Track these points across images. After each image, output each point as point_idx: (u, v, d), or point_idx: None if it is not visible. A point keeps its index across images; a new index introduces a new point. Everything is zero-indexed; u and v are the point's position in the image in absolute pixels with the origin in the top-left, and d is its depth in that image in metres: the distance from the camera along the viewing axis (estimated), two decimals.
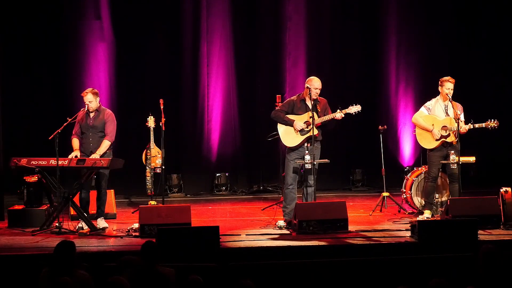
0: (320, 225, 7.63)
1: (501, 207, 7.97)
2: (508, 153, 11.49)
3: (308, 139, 7.99)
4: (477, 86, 11.42)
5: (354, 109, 8.11)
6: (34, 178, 8.55)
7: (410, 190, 8.96)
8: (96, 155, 7.99)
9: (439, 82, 8.42)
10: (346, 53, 11.68)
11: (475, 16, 11.51)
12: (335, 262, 6.49)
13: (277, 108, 8.59)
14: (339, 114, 7.99)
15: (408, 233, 7.45)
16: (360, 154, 11.55)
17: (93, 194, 8.39)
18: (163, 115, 9.24)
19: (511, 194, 8.05)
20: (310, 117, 7.92)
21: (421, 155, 9.42)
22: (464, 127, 8.20)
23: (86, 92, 8.23)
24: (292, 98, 8.34)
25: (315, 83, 8.05)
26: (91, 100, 8.17)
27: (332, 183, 11.36)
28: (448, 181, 8.56)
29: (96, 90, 8.33)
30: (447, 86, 8.32)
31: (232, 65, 11.47)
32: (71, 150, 8.22)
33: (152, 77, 11.28)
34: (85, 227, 7.93)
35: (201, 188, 11.51)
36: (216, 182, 11.49)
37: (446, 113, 8.38)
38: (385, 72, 11.68)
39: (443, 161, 8.37)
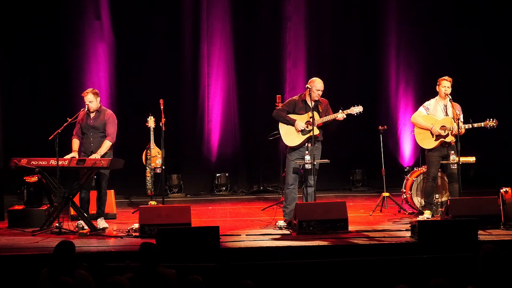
0: (320, 225, 7.63)
1: (501, 207, 7.96)
2: (508, 153, 11.50)
3: (309, 139, 7.98)
4: (476, 85, 11.44)
5: (356, 109, 8.10)
6: (34, 178, 8.55)
7: (410, 190, 8.95)
8: (96, 155, 7.98)
9: (437, 82, 8.44)
10: (346, 53, 11.69)
11: (475, 16, 11.51)
12: (335, 262, 6.49)
13: (278, 107, 8.59)
14: (341, 115, 7.99)
15: (408, 233, 7.45)
16: (360, 154, 11.56)
17: (93, 194, 8.39)
18: (163, 115, 9.24)
19: (511, 194, 8.04)
20: (311, 117, 7.92)
21: (421, 155, 9.42)
22: (462, 128, 8.20)
23: (87, 92, 8.23)
24: (293, 98, 8.33)
25: (317, 85, 8.04)
26: (91, 100, 8.17)
27: (332, 183, 11.36)
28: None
29: (96, 90, 8.32)
30: (444, 84, 8.34)
31: (232, 65, 11.47)
32: (71, 150, 8.22)
33: (152, 77, 11.28)
34: (85, 227, 7.92)
35: (201, 188, 11.52)
36: (216, 182, 11.49)
37: (446, 113, 8.38)
38: (385, 72, 11.69)
39: (443, 161, 8.38)
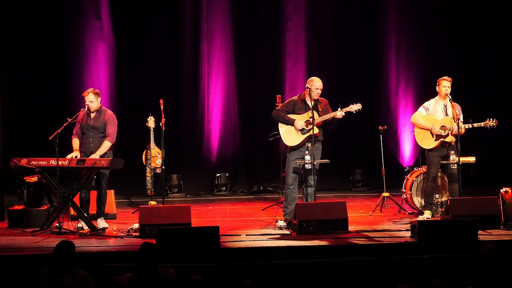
0: (320, 225, 7.63)
1: (501, 207, 7.96)
2: (508, 153, 11.50)
3: (309, 139, 7.99)
4: (476, 85, 11.44)
5: (355, 107, 8.12)
6: (34, 178, 8.55)
7: (410, 190, 8.96)
8: (96, 155, 7.98)
9: (437, 83, 8.45)
10: (346, 53, 11.70)
11: (475, 16, 11.52)
12: (335, 262, 6.49)
13: (278, 107, 8.60)
14: (339, 113, 8.00)
15: (408, 233, 7.45)
16: (360, 154, 11.56)
17: (93, 194, 8.39)
18: (163, 115, 9.24)
19: (511, 194, 8.04)
20: (311, 117, 7.92)
21: (421, 155, 9.42)
22: (462, 128, 8.20)
23: (88, 92, 8.22)
24: (293, 98, 8.34)
25: (316, 84, 8.05)
26: (92, 100, 8.17)
27: (332, 183, 11.36)
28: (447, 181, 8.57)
29: (97, 91, 8.32)
30: (444, 84, 8.35)
31: (232, 65, 11.47)
32: (71, 150, 8.21)
33: (152, 77, 11.28)
34: (85, 227, 7.92)
35: (201, 188, 11.52)
36: (216, 182, 11.49)
37: (445, 113, 8.38)
38: (385, 72, 11.69)
39: (443, 161, 8.38)
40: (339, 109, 8.03)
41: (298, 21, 11.50)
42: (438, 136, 8.34)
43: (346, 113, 8.07)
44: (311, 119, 7.92)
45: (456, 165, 8.18)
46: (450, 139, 8.30)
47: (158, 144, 9.60)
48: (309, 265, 6.33)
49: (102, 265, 6.01)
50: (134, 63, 11.25)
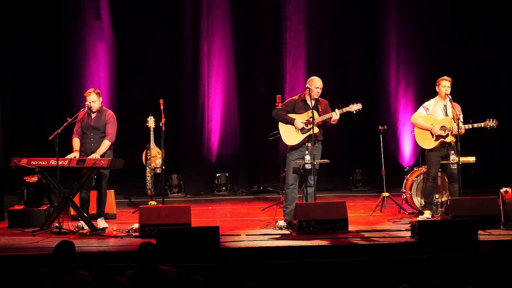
0: (320, 225, 7.63)
1: (501, 207, 7.96)
2: (508, 153, 11.50)
3: (309, 138, 7.99)
4: (476, 85, 11.44)
5: (355, 107, 8.12)
6: (34, 178, 8.54)
7: (410, 190, 8.96)
8: (96, 155, 7.98)
9: (436, 83, 8.45)
10: (346, 53, 11.70)
11: (475, 16, 11.52)
12: (335, 262, 6.49)
13: (278, 107, 8.60)
14: (336, 115, 7.97)
15: (408, 233, 7.44)
16: (360, 154, 11.56)
17: (93, 194, 8.39)
18: (163, 115, 9.25)
19: (511, 194, 8.04)
20: (311, 117, 7.92)
21: (421, 155, 9.42)
22: (462, 128, 8.20)
23: (90, 92, 8.22)
24: (293, 97, 8.34)
25: (316, 83, 8.06)
26: (94, 100, 8.17)
27: (332, 183, 11.36)
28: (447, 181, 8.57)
29: (98, 91, 8.32)
30: (444, 84, 8.35)
31: (232, 65, 11.48)
32: (71, 150, 8.22)
33: (152, 77, 11.28)
34: (85, 227, 7.92)
35: (201, 188, 11.52)
36: (216, 182, 11.49)
37: (445, 113, 8.38)
38: (385, 72, 11.69)
39: (443, 161, 8.38)
40: (340, 109, 8.03)
41: (298, 21, 11.51)
42: (438, 136, 8.34)
43: (346, 112, 8.08)
44: (311, 119, 7.92)
45: (456, 165, 8.18)
46: (450, 139, 8.30)
47: (158, 144, 9.60)
48: (309, 265, 6.33)
49: (102, 265, 6.02)
50: (134, 63, 11.26)
